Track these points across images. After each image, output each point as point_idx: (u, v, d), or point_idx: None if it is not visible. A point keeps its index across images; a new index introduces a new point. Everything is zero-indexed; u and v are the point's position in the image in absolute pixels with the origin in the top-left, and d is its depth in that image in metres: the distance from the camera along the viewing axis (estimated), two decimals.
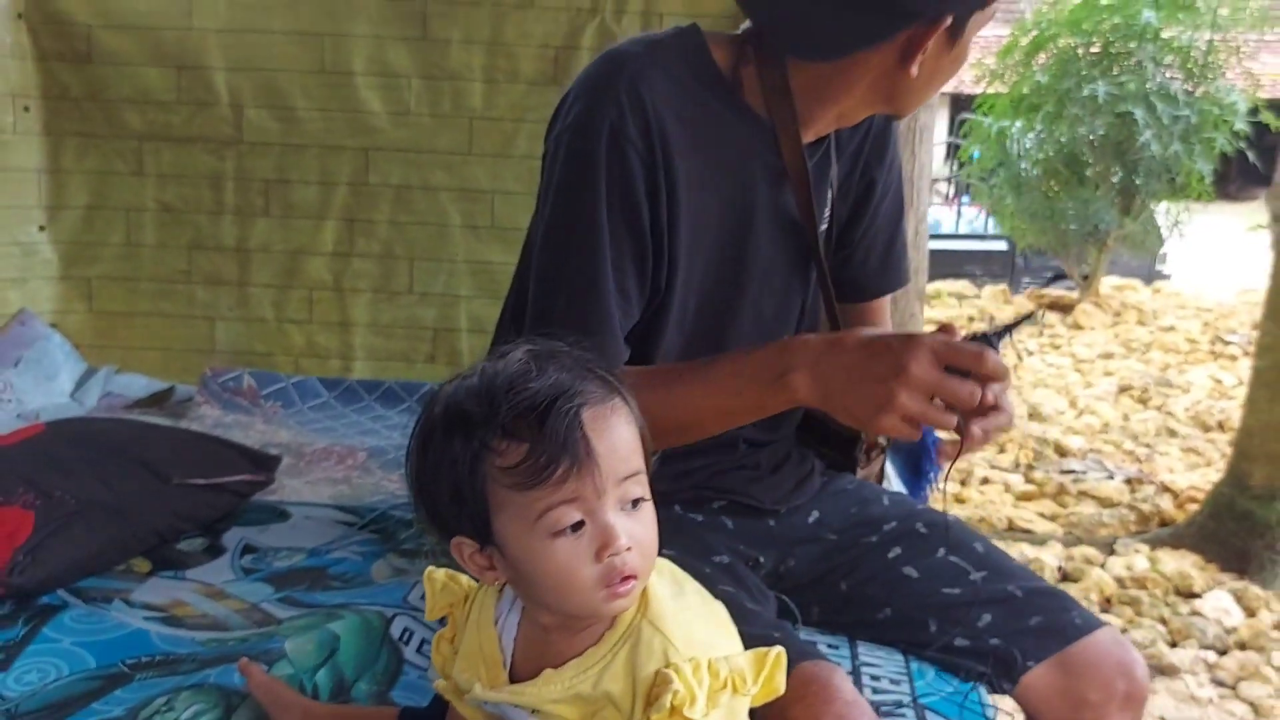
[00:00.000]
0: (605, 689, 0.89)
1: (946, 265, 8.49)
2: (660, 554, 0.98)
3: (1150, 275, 8.46)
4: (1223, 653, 3.30)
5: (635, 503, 0.88)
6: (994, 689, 1.33)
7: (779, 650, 0.91)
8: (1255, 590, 3.61)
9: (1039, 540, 3.97)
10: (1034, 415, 5.50)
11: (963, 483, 4.57)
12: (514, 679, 0.95)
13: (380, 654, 1.44)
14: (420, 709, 1.22)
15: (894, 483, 1.89)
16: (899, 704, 1.29)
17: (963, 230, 9.28)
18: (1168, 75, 6.89)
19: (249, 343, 2.66)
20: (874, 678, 1.34)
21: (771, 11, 1.23)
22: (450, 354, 2.66)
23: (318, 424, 2.47)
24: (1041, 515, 4.32)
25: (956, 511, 4.24)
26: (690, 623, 0.91)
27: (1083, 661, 1.30)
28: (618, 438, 0.87)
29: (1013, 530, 4.13)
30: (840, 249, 1.44)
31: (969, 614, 1.34)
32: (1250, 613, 3.51)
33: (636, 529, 0.87)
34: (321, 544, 1.81)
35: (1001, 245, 8.49)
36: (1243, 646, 3.33)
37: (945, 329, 1.11)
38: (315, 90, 2.54)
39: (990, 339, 1.12)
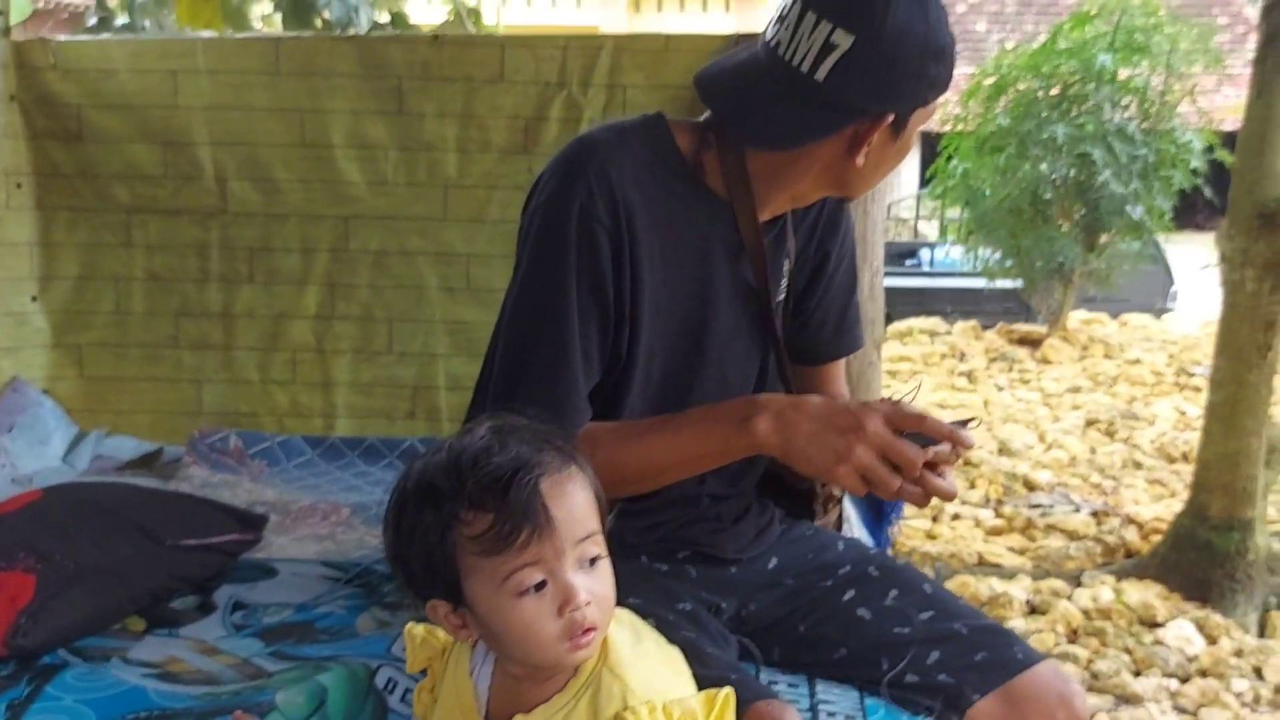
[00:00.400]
0: None
1: (922, 302, 8.68)
2: (627, 602, 1.08)
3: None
4: (1184, 680, 3.38)
5: (593, 561, 0.98)
6: None
7: (728, 691, 1.01)
8: (1216, 619, 3.70)
9: (1008, 574, 4.06)
10: (1003, 450, 5.61)
11: (934, 519, 4.66)
12: None
13: (366, 704, 1.51)
14: None
15: (855, 528, 2.00)
16: None
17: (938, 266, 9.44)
18: (1125, 116, 7.09)
19: (235, 404, 2.73)
20: (830, 714, 1.41)
21: (729, 106, 1.34)
22: (429, 410, 2.73)
23: (303, 481, 2.54)
24: (1011, 549, 4.41)
25: (928, 548, 4.34)
26: (647, 669, 1.01)
27: (1025, 694, 1.38)
28: (574, 503, 0.97)
29: (983, 565, 4.22)
30: (797, 316, 1.54)
31: (918, 652, 1.42)
32: (1211, 640, 3.60)
33: (595, 585, 0.97)
34: (308, 599, 1.88)
35: (979, 282, 8.66)
36: (1204, 674, 3.42)
37: (894, 403, 1.25)
38: (296, 162, 2.62)
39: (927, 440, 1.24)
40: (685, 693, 1.02)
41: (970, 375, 7.10)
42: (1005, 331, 7.97)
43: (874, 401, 1.26)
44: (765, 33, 1.33)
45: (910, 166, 14.15)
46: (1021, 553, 4.39)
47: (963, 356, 7.44)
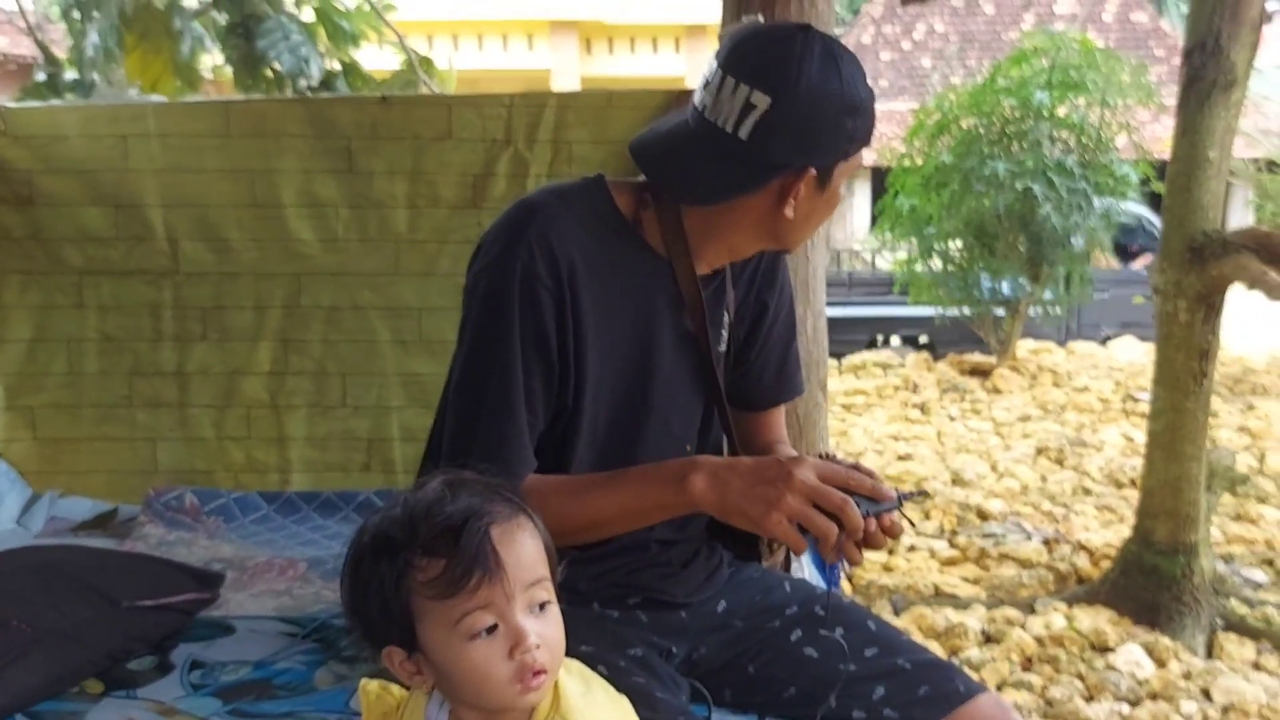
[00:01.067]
0: None
1: (876, 329, 8.84)
2: (580, 650, 1.12)
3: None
4: (1135, 704, 3.45)
5: (542, 606, 1.02)
6: None
7: None
8: (1165, 641, 3.78)
9: (963, 605, 4.12)
10: (956, 481, 5.69)
11: (890, 552, 4.73)
12: None
13: None
14: None
15: (805, 568, 2.04)
16: None
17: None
18: (1063, 151, 7.28)
19: (190, 461, 2.74)
20: None
21: (662, 168, 1.41)
22: (384, 462, 2.77)
23: (259, 536, 2.54)
24: (965, 579, 4.47)
25: (885, 580, 4.40)
26: (597, 716, 1.05)
27: None
28: (523, 550, 1.02)
29: (939, 595, 4.28)
30: (739, 365, 1.59)
31: (865, 688, 1.46)
32: (1160, 664, 3.68)
33: (544, 629, 1.01)
34: (266, 655, 1.88)
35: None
36: (1154, 697, 3.49)
37: (826, 456, 1.31)
38: (248, 222, 2.66)
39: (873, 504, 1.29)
40: None
41: (923, 407, 7.20)
42: (956, 362, 8.10)
43: (810, 456, 1.31)
44: (693, 99, 1.40)
45: (862, 202, 14.40)
46: (976, 582, 4.46)
47: (915, 388, 7.55)
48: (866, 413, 7.15)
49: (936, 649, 3.60)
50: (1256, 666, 3.70)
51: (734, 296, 1.54)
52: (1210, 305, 3.83)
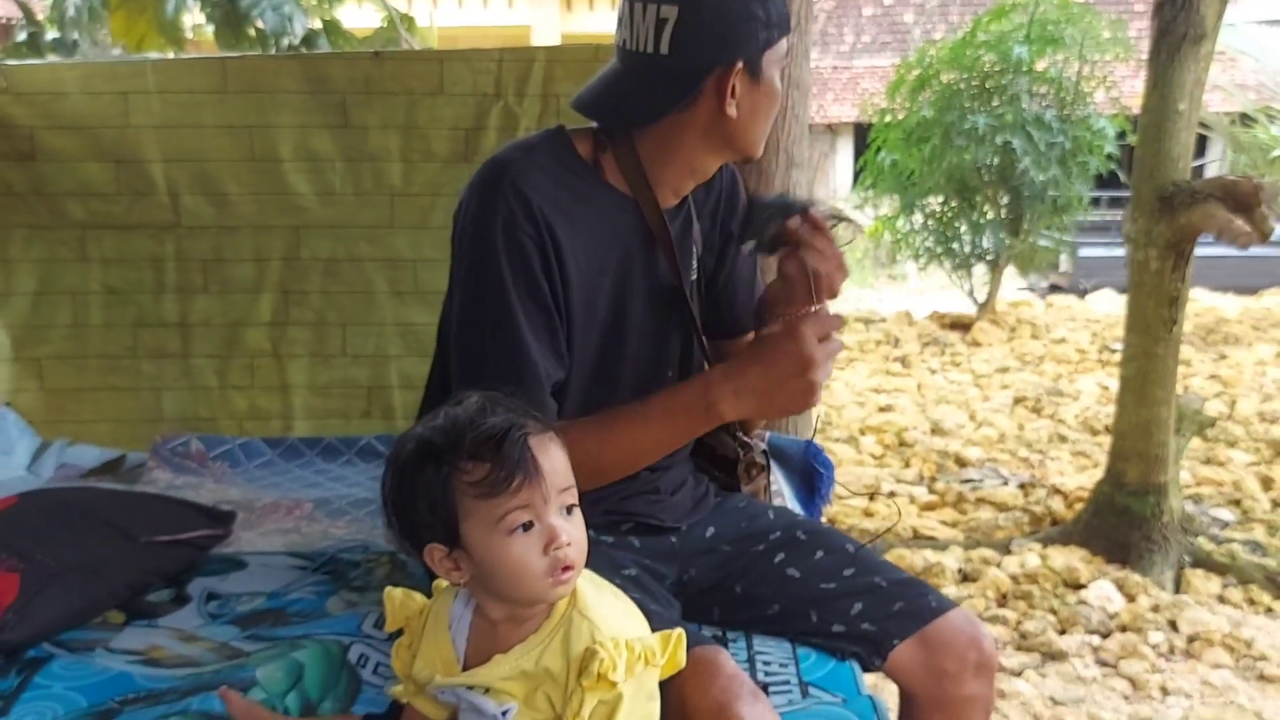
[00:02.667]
0: (545, 665, 1.13)
1: None
2: None
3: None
4: (1105, 635, 3.59)
5: (570, 509, 1.13)
6: (866, 666, 1.56)
7: (679, 631, 1.17)
8: (1135, 578, 3.92)
9: (941, 546, 4.26)
10: (936, 430, 5.82)
11: (871, 498, 4.86)
12: (467, 669, 1.18)
13: (341, 677, 1.62)
14: (379, 714, 1.44)
15: (789, 502, 2.15)
16: (787, 682, 1.52)
17: None
18: (1043, 105, 7.36)
19: (194, 410, 2.81)
20: (766, 663, 1.56)
21: (601, 107, 1.50)
22: (384, 409, 2.85)
23: (264, 480, 2.63)
24: (943, 523, 4.60)
25: (866, 524, 4.53)
26: (610, 613, 1.16)
27: (939, 637, 1.53)
28: (556, 459, 1.13)
29: (918, 539, 4.41)
30: (710, 293, 1.68)
31: (843, 604, 1.56)
32: (1130, 598, 3.81)
33: (573, 529, 1.13)
34: (279, 587, 1.97)
35: None
36: (1123, 629, 3.63)
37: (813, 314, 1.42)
38: (246, 176, 2.72)
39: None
40: (644, 633, 1.16)
41: (904, 360, 7.33)
42: (937, 317, 8.22)
43: (794, 322, 1.41)
44: (615, 40, 1.49)
45: (845, 158, 14.44)
46: (954, 525, 4.59)
47: (896, 342, 7.67)
48: (849, 366, 7.26)
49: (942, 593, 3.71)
50: (1221, 600, 3.85)
51: (701, 228, 1.62)
52: (1180, 253, 3.94)
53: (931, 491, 4.97)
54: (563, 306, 1.46)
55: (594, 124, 1.53)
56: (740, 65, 1.43)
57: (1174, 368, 4.13)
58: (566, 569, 1.11)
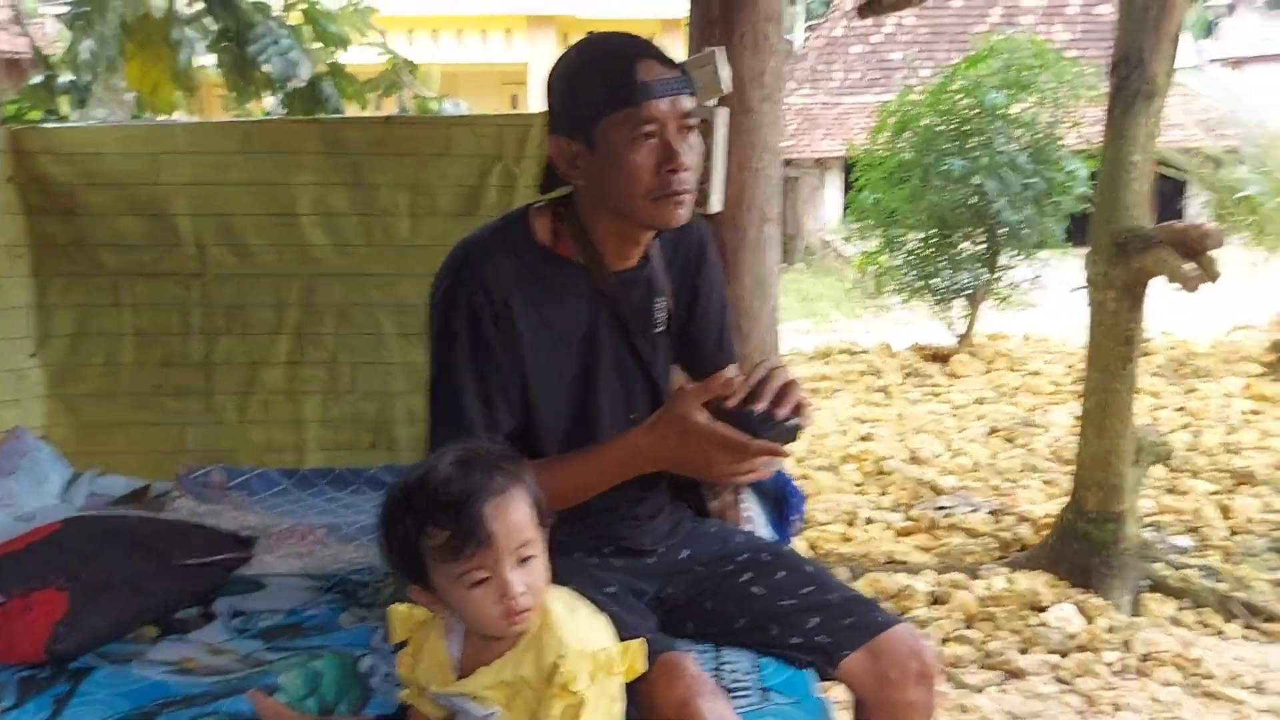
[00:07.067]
0: (521, 675, 1.35)
1: None
2: (566, 586, 1.44)
3: None
4: (1064, 655, 3.78)
5: (527, 560, 1.34)
6: (821, 674, 1.73)
7: (639, 641, 1.39)
8: (1095, 601, 4.09)
9: (914, 570, 4.47)
10: (914, 459, 6.04)
11: (849, 524, 5.08)
12: (460, 678, 1.40)
13: (353, 684, 1.83)
14: (389, 715, 1.66)
15: (760, 527, 2.37)
16: (749, 688, 1.72)
17: None
18: (1017, 148, 7.64)
19: (216, 442, 3.02)
20: (732, 671, 1.76)
21: (543, 179, 1.75)
22: (389, 441, 3.06)
23: (280, 508, 2.83)
24: (918, 548, 4.78)
25: (843, 549, 4.75)
26: (578, 628, 1.38)
27: (885, 648, 1.69)
28: (513, 520, 1.33)
29: (892, 563, 4.61)
30: (684, 337, 1.89)
31: (801, 619, 1.73)
32: (1089, 620, 4.01)
33: (528, 578, 1.33)
34: (296, 605, 2.18)
35: None
36: (1081, 649, 3.82)
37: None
38: (267, 229, 2.95)
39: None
40: (609, 644, 1.38)
41: (885, 390, 7.55)
42: (918, 349, 8.45)
43: (705, 431, 1.57)
44: None
45: (834, 194, 14.75)
46: (928, 550, 4.76)
47: (878, 374, 7.90)
48: (833, 396, 7.48)
49: (889, 609, 3.92)
50: (1175, 622, 4.05)
51: (670, 281, 1.82)
52: (1134, 295, 4.17)
53: (907, 518, 5.16)
54: (521, 365, 1.68)
55: None
56: (567, 137, 1.63)
57: (1129, 401, 4.35)
58: (521, 611, 1.32)
